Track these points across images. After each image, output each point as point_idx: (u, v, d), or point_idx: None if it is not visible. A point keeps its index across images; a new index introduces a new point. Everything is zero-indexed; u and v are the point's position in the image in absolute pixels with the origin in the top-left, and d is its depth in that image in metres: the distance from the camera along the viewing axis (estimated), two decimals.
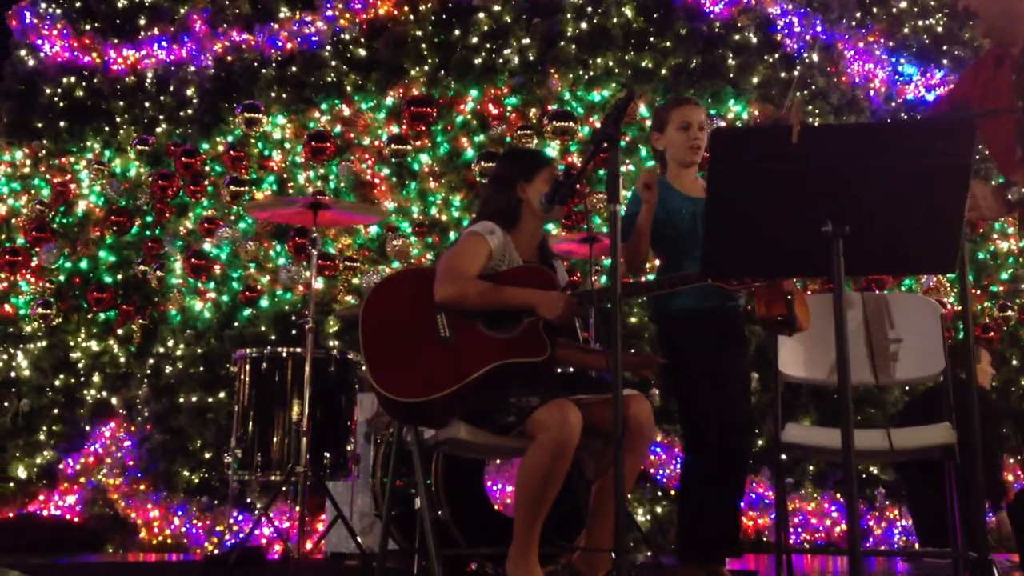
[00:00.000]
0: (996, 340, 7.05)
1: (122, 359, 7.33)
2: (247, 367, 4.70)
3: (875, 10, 7.60)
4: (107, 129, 7.77)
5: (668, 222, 3.74)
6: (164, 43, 7.67)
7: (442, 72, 7.07)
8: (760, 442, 6.09)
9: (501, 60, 7.03)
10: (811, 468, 6.22)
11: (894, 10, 7.64)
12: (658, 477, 6.09)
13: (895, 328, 3.82)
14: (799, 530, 6.06)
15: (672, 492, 5.98)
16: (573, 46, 6.97)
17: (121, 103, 7.76)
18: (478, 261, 3.40)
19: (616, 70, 6.94)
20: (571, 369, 4.32)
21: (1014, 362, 7.19)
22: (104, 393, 7.26)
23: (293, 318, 6.43)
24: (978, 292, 7.25)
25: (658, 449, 6.09)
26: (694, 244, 3.69)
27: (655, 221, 3.68)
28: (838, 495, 6.05)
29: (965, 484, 3.21)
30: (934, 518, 4.05)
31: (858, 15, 7.51)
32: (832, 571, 4.99)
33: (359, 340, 3.36)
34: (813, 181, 2.59)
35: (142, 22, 7.91)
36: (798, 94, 6.85)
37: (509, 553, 3.20)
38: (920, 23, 7.77)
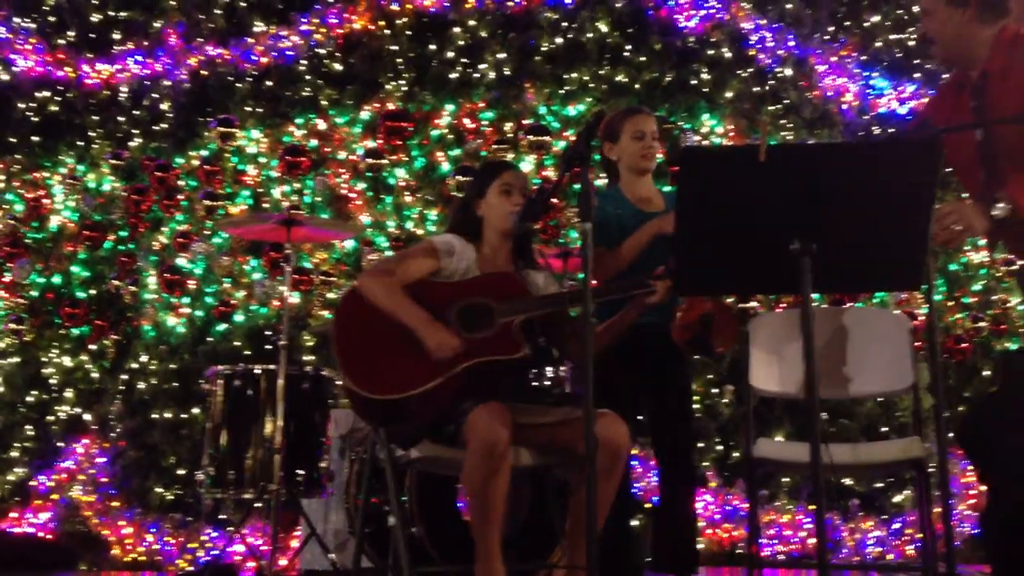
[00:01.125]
0: (969, 352, 7.10)
1: (95, 375, 7.26)
2: (219, 384, 4.68)
3: (847, 24, 7.66)
4: (81, 144, 7.71)
5: (619, 232, 3.77)
6: (139, 57, 7.63)
7: (418, 87, 7.08)
8: (735, 455, 6.12)
9: (477, 75, 7.04)
10: (785, 480, 6.24)
11: (866, 24, 7.70)
12: (633, 491, 6.09)
13: (865, 342, 3.85)
14: (774, 542, 6.08)
15: (647, 505, 5.99)
16: (548, 61, 7.00)
17: (95, 117, 7.71)
18: (414, 266, 3.42)
19: (591, 85, 6.97)
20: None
21: (985, 373, 7.24)
22: (77, 409, 7.19)
23: (268, 333, 6.41)
24: (951, 304, 7.30)
25: (635, 463, 6.09)
26: (644, 254, 3.73)
27: (604, 227, 3.73)
28: (812, 507, 6.07)
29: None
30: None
31: (831, 30, 7.57)
32: None
33: (332, 343, 3.35)
34: (780, 199, 2.62)
35: (116, 36, 7.86)
36: (770, 108, 6.91)
37: (475, 568, 3.20)
38: (892, 37, 7.83)
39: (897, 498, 6.37)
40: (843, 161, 2.63)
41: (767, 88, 7.06)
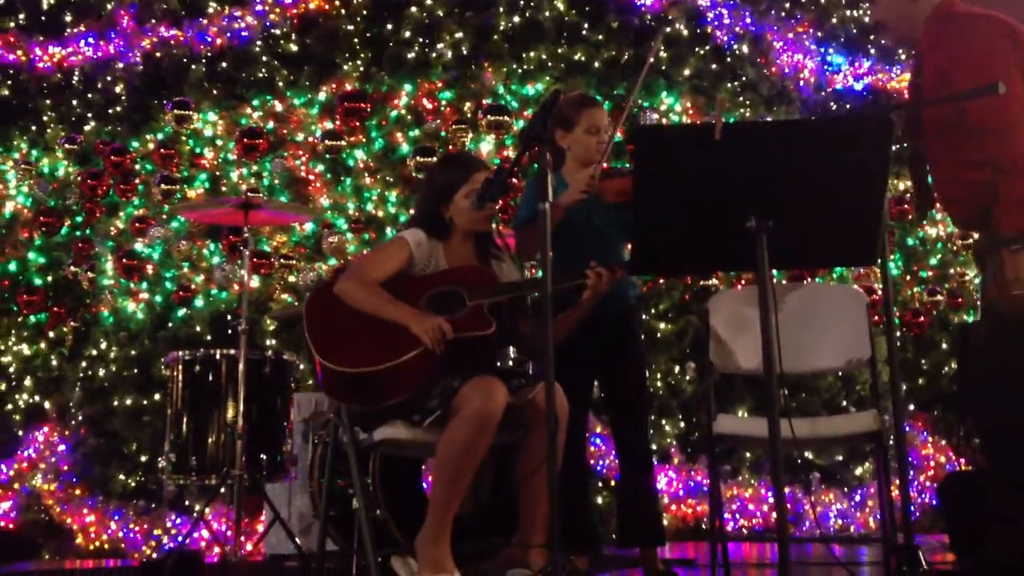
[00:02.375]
0: (926, 325, 7.20)
1: (54, 362, 7.18)
2: (179, 369, 4.65)
3: (803, 1, 7.69)
4: (34, 128, 7.59)
5: (563, 218, 3.79)
6: (91, 40, 7.51)
7: (375, 67, 7.03)
8: (698, 431, 6.18)
9: (434, 54, 7.00)
10: (748, 455, 6.31)
11: (822, 1, 7.74)
12: (598, 468, 6.13)
13: (823, 317, 3.89)
14: (737, 516, 6.14)
15: (612, 483, 6.03)
16: (506, 40, 6.97)
17: (48, 101, 7.59)
18: (390, 264, 3.46)
19: (549, 64, 6.96)
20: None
21: (944, 346, 7.35)
22: (36, 398, 7.11)
23: (229, 318, 6.37)
24: (908, 278, 7.39)
25: (598, 440, 6.13)
26: (588, 239, 3.77)
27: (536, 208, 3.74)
28: None
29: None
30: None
31: (787, 6, 7.60)
32: (768, 558, 5.07)
33: (303, 327, 3.36)
34: (736, 177, 2.64)
35: (68, 19, 7.74)
36: (728, 85, 6.94)
37: (421, 530, 3.22)
38: (848, 13, 7.89)
39: (858, 471, 6.46)
40: (797, 138, 2.65)
41: (725, 65, 7.08)
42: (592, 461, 6.12)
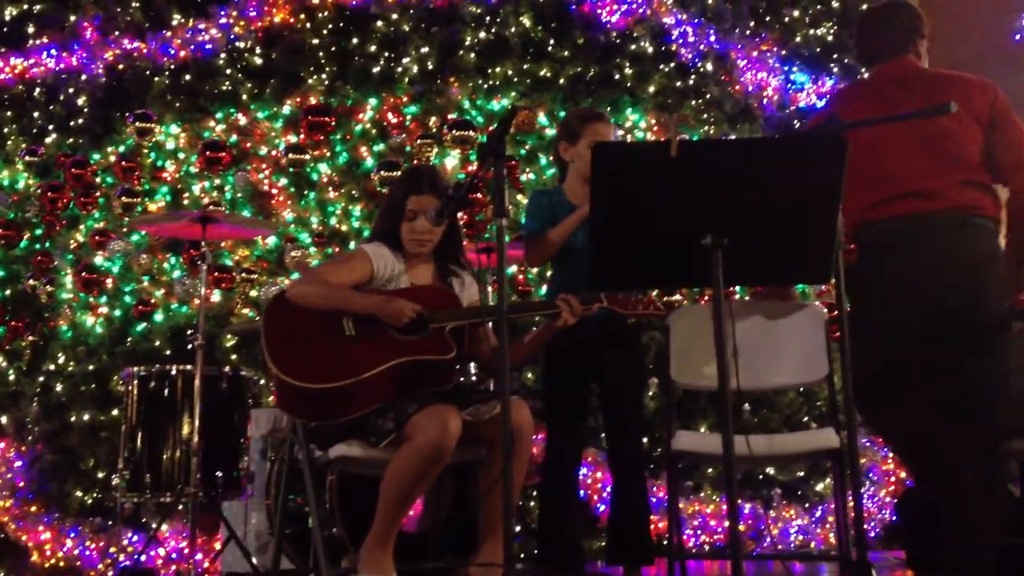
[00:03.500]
0: None
1: (11, 377, 7.08)
2: (135, 385, 4.59)
3: (767, 19, 7.75)
4: None
5: (550, 227, 3.80)
6: (53, 51, 7.44)
7: (340, 81, 7.00)
8: (660, 448, 6.17)
9: (400, 69, 6.99)
10: (710, 471, 6.31)
11: (786, 19, 7.80)
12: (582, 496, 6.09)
13: (782, 334, 3.90)
14: (699, 533, 6.14)
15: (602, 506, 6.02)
16: (472, 55, 6.97)
17: (9, 113, 7.51)
18: (347, 273, 3.45)
19: (515, 79, 6.96)
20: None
21: None
22: None
23: (189, 332, 6.29)
24: None
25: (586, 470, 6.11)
26: (583, 251, 3.77)
27: (537, 220, 3.79)
28: (741, 498, 6.14)
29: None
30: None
31: (751, 24, 7.65)
32: (728, 575, 5.06)
33: (261, 337, 3.33)
34: (692, 195, 2.64)
35: (31, 30, 7.67)
36: (693, 102, 6.97)
37: (366, 541, 3.22)
38: (811, 32, 7.95)
39: (819, 486, 6.47)
40: (752, 156, 2.66)
41: (689, 83, 7.11)
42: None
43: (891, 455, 6.52)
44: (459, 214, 4.14)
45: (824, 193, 2.63)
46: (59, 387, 6.62)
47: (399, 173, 6.30)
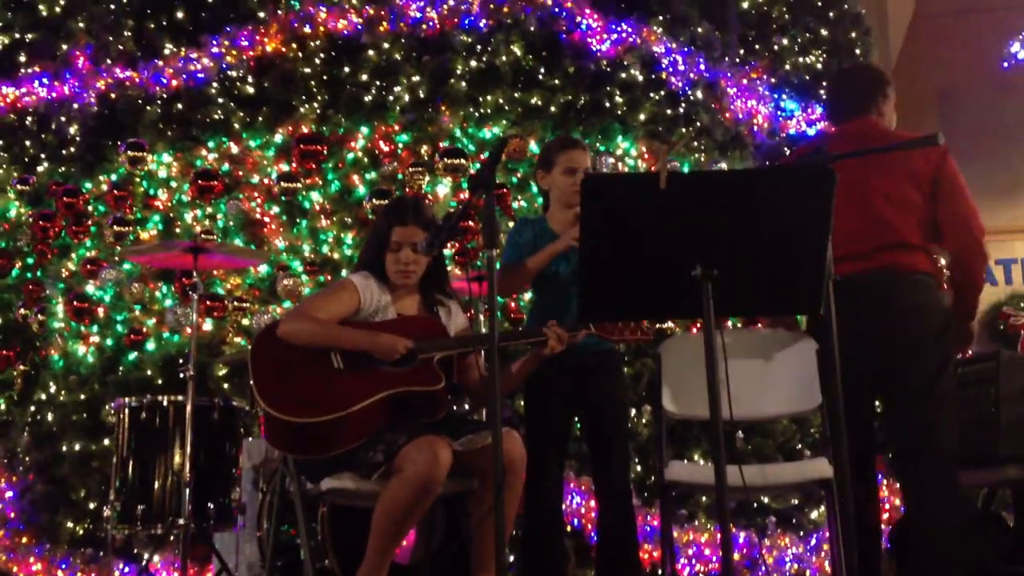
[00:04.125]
0: None
1: (2, 406, 7.05)
2: (126, 415, 4.58)
3: (756, 47, 7.80)
4: None
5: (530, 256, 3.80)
6: (45, 80, 7.47)
7: (332, 109, 7.02)
8: (654, 476, 6.15)
9: (391, 97, 7.01)
10: (704, 499, 6.28)
11: (775, 48, 7.86)
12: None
13: (774, 363, 3.90)
14: (693, 562, 6.11)
15: (568, 528, 5.98)
16: (463, 84, 7.00)
17: (0, 142, 7.52)
18: (336, 306, 3.44)
19: (506, 107, 6.98)
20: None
21: None
22: None
23: (181, 362, 6.28)
24: None
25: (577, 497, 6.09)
26: (574, 284, 3.77)
27: (517, 249, 3.79)
28: (732, 526, 6.11)
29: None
30: None
31: (741, 52, 7.70)
32: None
33: (249, 373, 3.32)
34: (681, 226, 2.65)
35: (22, 59, 7.69)
36: (684, 130, 7.00)
37: (358, 573, 3.21)
38: (800, 60, 8.00)
39: (814, 514, 6.45)
40: (741, 188, 2.66)
41: (680, 111, 7.14)
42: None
43: (885, 482, 6.52)
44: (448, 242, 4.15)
45: (813, 224, 2.64)
46: (50, 416, 6.58)
47: (386, 203, 6.33)
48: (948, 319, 3.79)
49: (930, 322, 3.68)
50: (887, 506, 6.57)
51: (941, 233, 3.81)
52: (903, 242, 3.68)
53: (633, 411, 6.40)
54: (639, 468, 6.36)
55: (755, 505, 6.35)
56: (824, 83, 7.80)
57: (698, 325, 6.15)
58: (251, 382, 3.31)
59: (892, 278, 3.65)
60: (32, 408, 6.73)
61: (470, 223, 6.23)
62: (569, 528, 5.82)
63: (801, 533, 6.40)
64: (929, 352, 3.63)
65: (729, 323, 6.14)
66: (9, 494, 6.60)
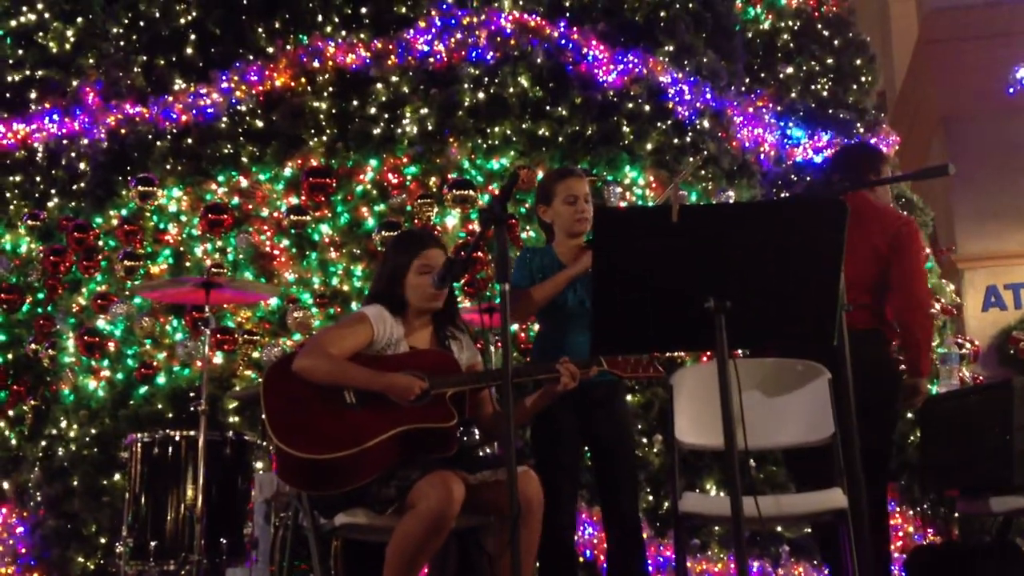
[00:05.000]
0: None
1: (13, 441, 7.06)
2: (138, 451, 4.58)
3: (762, 76, 7.84)
4: None
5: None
6: (56, 116, 7.53)
7: (340, 143, 7.06)
8: (667, 504, 6.12)
9: (400, 130, 7.05)
10: (717, 528, 6.25)
11: (781, 76, 7.90)
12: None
13: (786, 392, 3.89)
14: None
15: (580, 559, 5.95)
16: (471, 115, 7.04)
17: (11, 178, 7.58)
18: (351, 340, 3.42)
19: (514, 138, 7.02)
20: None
21: (908, 415, 7.36)
22: None
23: (191, 395, 6.28)
24: None
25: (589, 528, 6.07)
26: (579, 314, 3.77)
27: (527, 278, 3.78)
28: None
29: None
30: None
31: (747, 81, 7.74)
32: None
33: (261, 409, 3.31)
34: (694, 258, 2.65)
35: (33, 96, 7.76)
36: (691, 159, 7.02)
37: None
38: (806, 88, 8.04)
39: None
40: (753, 220, 2.67)
41: (687, 140, 7.17)
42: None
43: (898, 510, 6.49)
44: None
45: (825, 255, 2.65)
46: (61, 451, 6.58)
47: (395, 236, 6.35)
48: (895, 373, 4.19)
49: (875, 375, 3.93)
50: (900, 534, 6.54)
51: (890, 291, 4.14)
52: (852, 303, 3.86)
53: (644, 440, 6.39)
54: (650, 498, 6.33)
55: (767, 534, 6.31)
56: (830, 110, 7.85)
57: (708, 355, 6.15)
58: (263, 417, 3.31)
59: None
60: (43, 443, 6.73)
61: (478, 253, 6.24)
62: (581, 559, 5.79)
63: (815, 562, 6.37)
64: (872, 402, 3.80)
65: (739, 352, 6.13)
66: (20, 529, 6.60)
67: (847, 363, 2.89)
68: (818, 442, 3.71)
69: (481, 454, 4.28)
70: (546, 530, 3.63)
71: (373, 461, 3.22)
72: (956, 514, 6.85)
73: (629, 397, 6.40)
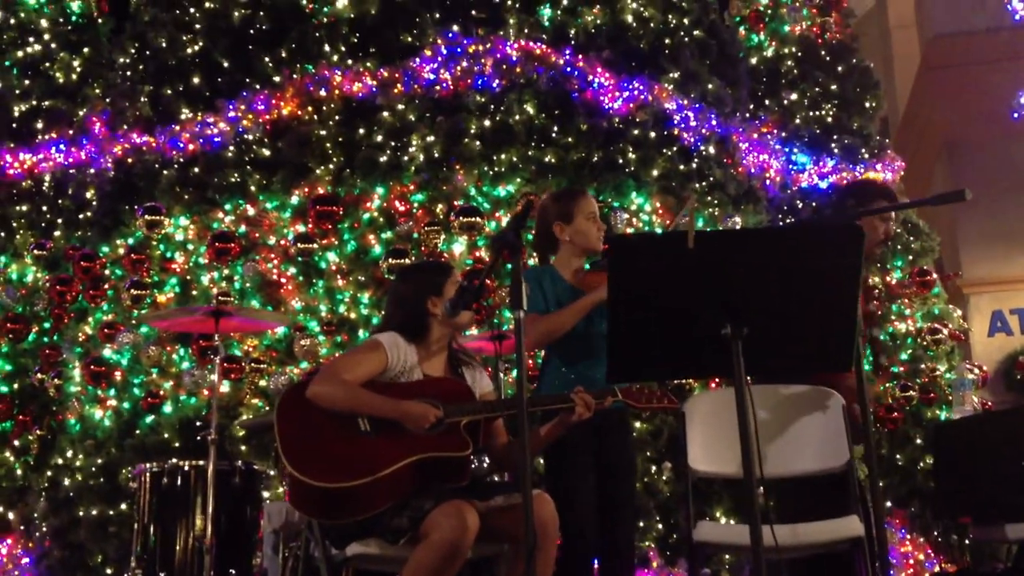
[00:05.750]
0: (900, 420, 7.20)
1: (19, 472, 7.04)
2: (147, 480, 4.55)
3: (767, 102, 7.86)
4: (3, 235, 7.58)
5: (556, 307, 3.77)
6: (62, 146, 7.56)
7: (347, 170, 7.07)
8: (676, 533, 6.09)
9: (406, 157, 7.06)
10: (727, 556, 6.21)
11: (785, 102, 7.91)
12: None
13: (800, 419, 3.87)
14: None
15: None
16: (477, 143, 7.05)
17: (18, 208, 7.59)
18: (365, 367, 3.41)
19: (520, 165, 7.02)
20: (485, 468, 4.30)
21: (918, 441, 7.34)
22: (0, 508, 6.95)
23: (198, 424, 6.26)
24: (879, 373, 7.41)
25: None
26: (589, 336, 3.75)
27: (542, 301, 3.75)
28: None
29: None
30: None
31: (751, 107, 7.76)
32: None
33: (275, 438, 3.29)
34: (710, 285, 2.64)
35: (39, 126, 7.79)
36: (696, 185, 7.03)
37: None
38: (811, 114, 8.06)
39: None
40: (769, 246, 2.67)
41: (692, 166, 7.18)
42: None
43: (909, 537, 6.45)
44: None
45: (842, 280, 2.64)
46: (67, 481, 6.55)
47: (407, 260, 6.34)
48: None
49: None
50: (911, 561, 6.50)
51: None
52: None
53: (653, 468, 6.36)
54: (660, 526, 6.30)
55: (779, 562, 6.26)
56: (835, 136, 7.86)
57: (716, 381, 6.13)
58: (276, 444, 3.29)
59: None
60: (48, 473, 6.71)
61: (487, 280, 6.22)
62: None
63: None
64: None
65: (749, 378, 6.11)
66: (25, 560, 6.57)
67: (864, 388, 2.87)
68: (834, 470, 3.69)
69: (494, 479, 4.24)
70: (566, 557, 3.61)
71: (387, 490, 3.20)
72: (968, 541, 6.81)
73: (638, 424, 6.38)
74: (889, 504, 6.92)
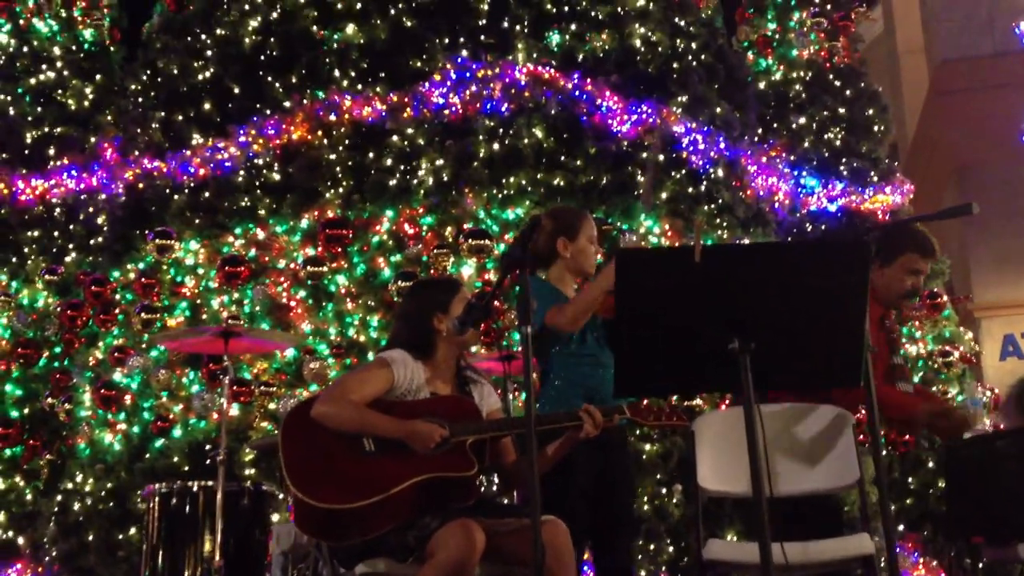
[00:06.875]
0: (912, 443, 7.15)
1: (28, 496, 7.04)
2: (156, 502, 4.55)
3: (775, 126, 7.88)
4: (14, 260, 7.62)
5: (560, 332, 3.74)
6: (74, 172, 7.61)
7: (357, 194, 7.10)
8: (686, 557, 6.05)
9: (416, 181, 7.09)
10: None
11: (793, 126, 7.93)
12: None
13: (810, 438, 3.84)
14: None
15: None
16: (486, 166, 7.08)
17: (29, 233, 7.64)
18: (371, 386, 3.38)
19: (529, 188, 7.05)
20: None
21: (931, 464, 7.29)
22: (10, 533, 6.94)
23: (208, 447, 6.26)
24: None
25: (585, 567, 5.99)
26: (584, 353, 3.74)
27: (555, 298, 3.72)
28: None
29: None
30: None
31: (760, 131, 7.78)
32: None
33: (280, 459, 3.27)
34: (717, 300, 2.64)
35: (52, 152, 7.85)
36: (705, 208, 7.04)
37: None
38: (819, 137, 8.08)
39: None
40: (777, 261, 2.66)
41: (701, 189, 7.19)
42: None
43: (922, 560, 6.40)
44: None
45: (850, 297, 2.63)
46: (76, 506, 6.54)
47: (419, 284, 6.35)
48: None
49: None
50: None
51: None
52: None
53: (663, 490, 6.33)
54: (671, 549, 6.26)
55: None
56: (843, 160, 7.87)
57: (726, 401, 6.11)
58: (281, 466, 3.27)
59: None
60: (58, 498, 6.70)
61: (495, 302, 6.23)
62: None
63: None
64: None
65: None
66: None
67: (874, 405, 2.86)
68: (845, 488, 3.66)
69: (505, 501, 4.22)
70: None
71: (392, 510, 3.18)
72: (981, 564, 6.74)
73: (648, 446, 6.36)
74: (901, 527, 6.87)
